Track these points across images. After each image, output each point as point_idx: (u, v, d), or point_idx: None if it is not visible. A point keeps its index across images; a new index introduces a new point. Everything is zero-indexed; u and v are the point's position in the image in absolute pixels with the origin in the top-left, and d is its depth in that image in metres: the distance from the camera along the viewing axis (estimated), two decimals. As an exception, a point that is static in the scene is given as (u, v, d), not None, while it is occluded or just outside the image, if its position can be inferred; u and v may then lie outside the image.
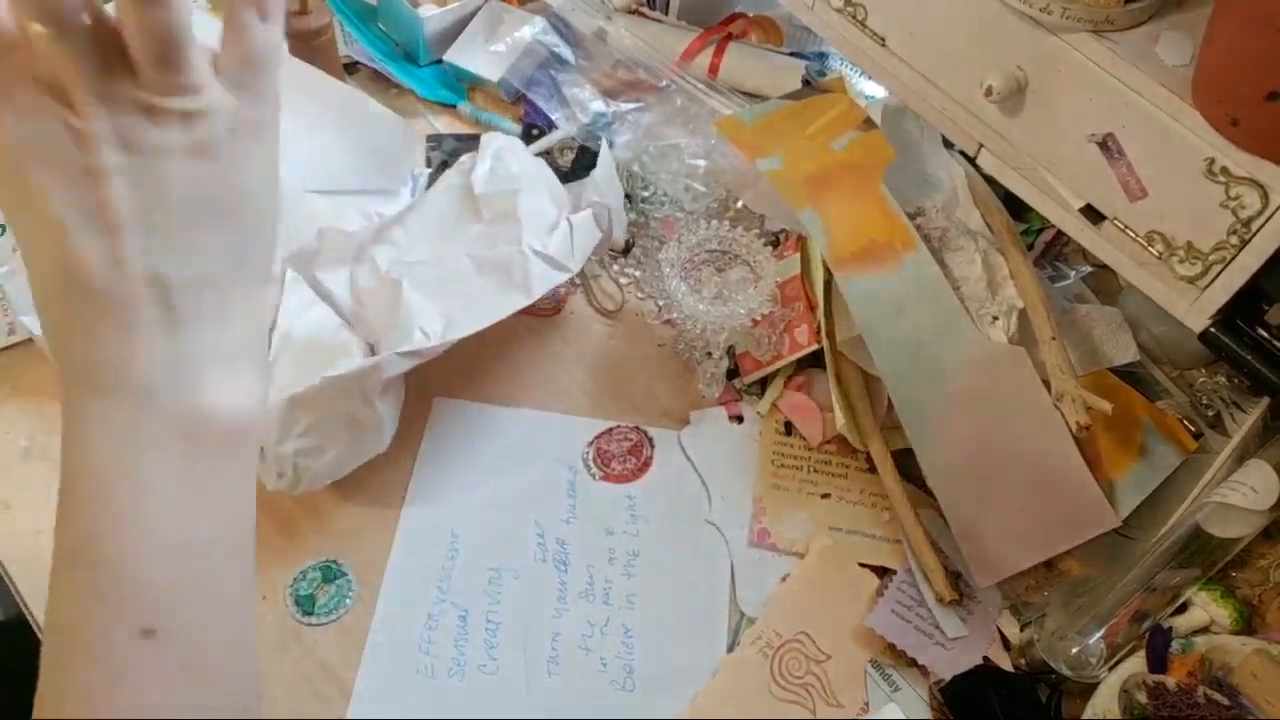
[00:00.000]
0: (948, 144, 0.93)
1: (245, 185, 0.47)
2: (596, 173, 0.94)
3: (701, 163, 1.05)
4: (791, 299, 0.93)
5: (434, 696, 0.79)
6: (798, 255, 0.94)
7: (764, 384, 0.95)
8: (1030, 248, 1.00)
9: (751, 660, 0.80)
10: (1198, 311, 0.73)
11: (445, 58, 1.15)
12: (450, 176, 0.95)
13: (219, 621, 0.46)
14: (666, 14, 1.17)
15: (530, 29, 1.14)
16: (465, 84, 1.16)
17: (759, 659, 0.80)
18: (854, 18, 0.85)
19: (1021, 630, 0.81)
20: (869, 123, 0.95)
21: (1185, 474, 0.86)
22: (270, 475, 0.83)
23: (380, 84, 1.16)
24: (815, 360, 0.92)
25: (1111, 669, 0.76)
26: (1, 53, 0.41)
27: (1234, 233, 0.67)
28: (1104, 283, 0.99)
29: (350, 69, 1.16)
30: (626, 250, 1.04)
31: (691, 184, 1.04)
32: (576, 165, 1.07)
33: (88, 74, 0.41)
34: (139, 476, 0.43)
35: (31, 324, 0.87)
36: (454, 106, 1.14)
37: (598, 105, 1.11)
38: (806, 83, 1.10)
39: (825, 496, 0.89)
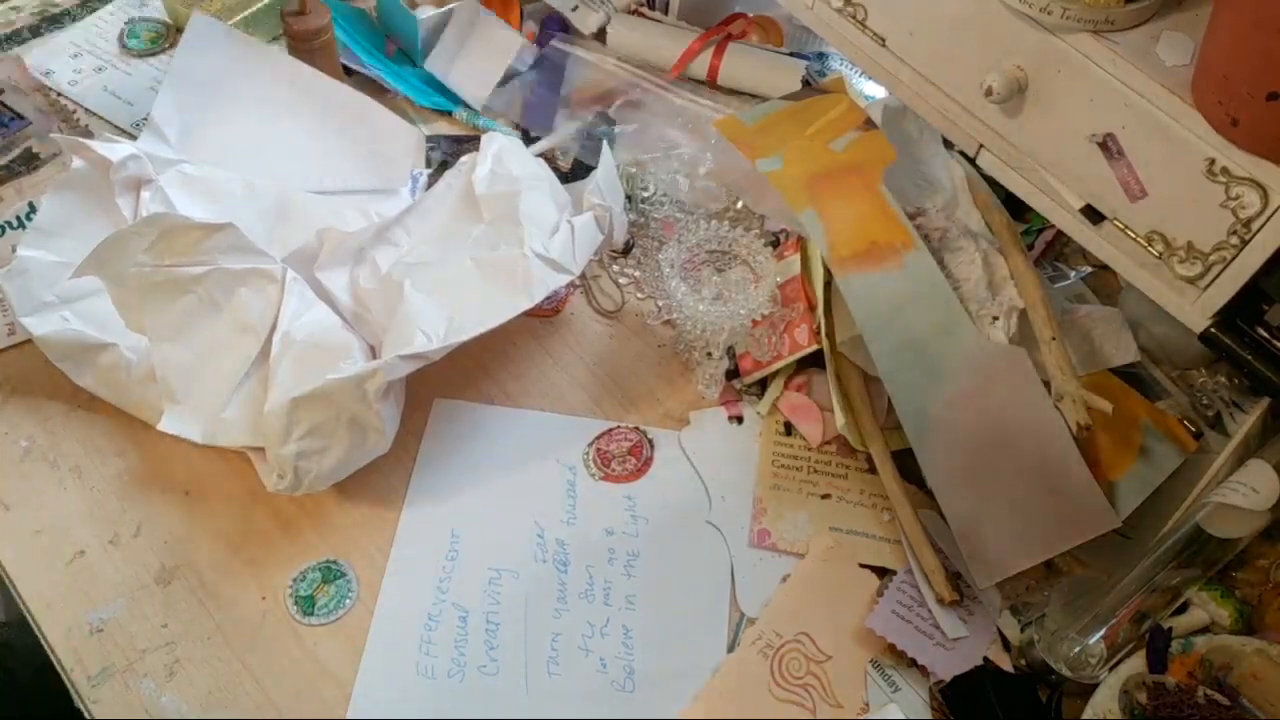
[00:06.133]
0: (948, 144, 0.93)
1: None
2: (597, 174, 0.94)
3: (702, 163, 1.05)
4: (791, 299, 0.93)
5: (434, 697, 0.79)
6: (798, 255, 0.94)
7: (764, 384, 0.95)
8: (1030, 248, 1.00)
9: (751, 660, 0.80)
10: (1198, 311, 0.73)
11: (427, 67, 1.14)
12: (450, 177, 0.95)
13: None
14: (666, 14, 1.17)
15: (511, 49, 1.13)
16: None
17: (759, 659, 0.80)
18: (854, 18, 0.85)
19: (1021, 630, 0.81)
20: (869, 123, 0.95)
21: (1185, 474, 0.86)
22: (271, 477, 0.83)
23: (373, 91, 1.14)
24: (815, 360, 0.92)
25: (1111, 669, 0.76)
26: None
27: (1234, 233, 0.67)
28: (1104, 283, 0.99)
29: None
30: (626, 251, 1.04)
31: (691, 184, 1.04)
32: (577, 166, 1.07)
33: None
34: None
35: (32, 324, 0.87)
36: (449, 113, 1.14)
37: (597, 107, 1.11)
38: (806, 83, 1.10)
39: (825, 496, 0.89)
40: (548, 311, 1.00)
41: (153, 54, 1.17)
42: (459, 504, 0.88)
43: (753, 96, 1.12)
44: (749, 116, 0.99)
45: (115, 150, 0.91)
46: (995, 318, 0.86)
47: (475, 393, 0.94)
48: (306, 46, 1.05)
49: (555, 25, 1.18)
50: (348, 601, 0.82)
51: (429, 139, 1.09)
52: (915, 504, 0.85)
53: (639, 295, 1.02)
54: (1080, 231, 0.78)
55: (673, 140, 1.07)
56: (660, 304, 1.00)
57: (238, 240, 0.85)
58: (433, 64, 1.13)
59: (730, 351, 0.95)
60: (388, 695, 0.78)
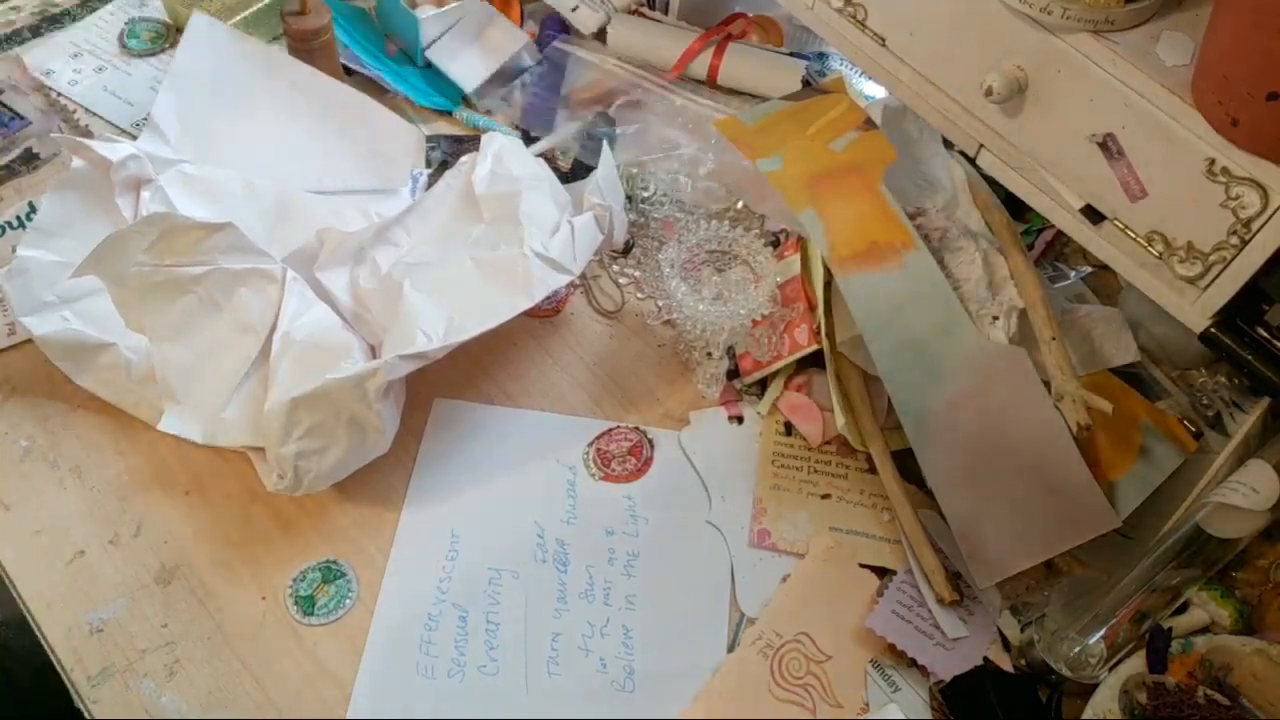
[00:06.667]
0: (948, 144, 0.93)
1: None
2: (597, 174, 0.94)
3: (702, 163, 1.05)
4: (791, 299, 0.93)
5: (434, 697, 0.79)
6: (798, 255, 0.94)
7: (764, 384, 0.95)
8: (1030, 248, 1.00)
9: (751, 660, 0.80)
10: (1198, 311, 0.73)
11: (429, 56, 1.14)
12: (450, 177, 0.95)
13: None
14: (666, 14, 1.17)
15: (514, 44, 1.14)
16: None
17: (759, 659, 0.80)
18: (854, 18, 0.85)
19: (1021, 630, 0.81)
20: (869, 123, 0.95)
21: (1185, 474, 0.86)
22: (271, 477, 0.83)
23: (373, 91, 1.14)
24: (815, 360, 0.92)
25: (1111, 669, 0.76)
26: None
27: (1234, 233, 0.67)
28: (1104, 283, 0.99)
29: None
30: (626, 250, 1.04)
31: (692, 184, 1.04)
32: (577, 166, 1.07)
33: None
34: None
35: (32, 324, 0.87)
36: (449, 113, 1.14)
37: (598, 107, 1.11)
38: (806, 83, 1.10)
39: (825, 496, 0.89)
40: (548, 311, 1.00)
41: (153, 54, 1.17)
42: (459, 504, 0.88)
43: (753, 96, 1.12)
44: (749, 116, 0.99)
45: (115, 150, 0.91)
46: (995, 318, 0.86)
47: (475, 393, 0.94)
48: (306, 46, 1.05)
49: (555, 26, 1.18)
50: (348, 601, 0.82)
51: (429, 139, 1.09)
52: (915, 504, 0.85)
53: (639, 295, 1.02)
54: (1080, 231, 0.78)
55: (673, 140, 1.07)
56: (660, 304, 1.00)
57: (238, 240, 0.85)
58: (433, 54, 1.13)
59: (730, 351, 0.95)
60: (388, 695, 0.78)
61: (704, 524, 0.88)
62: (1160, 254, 0.72)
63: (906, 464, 0.86)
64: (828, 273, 0.89)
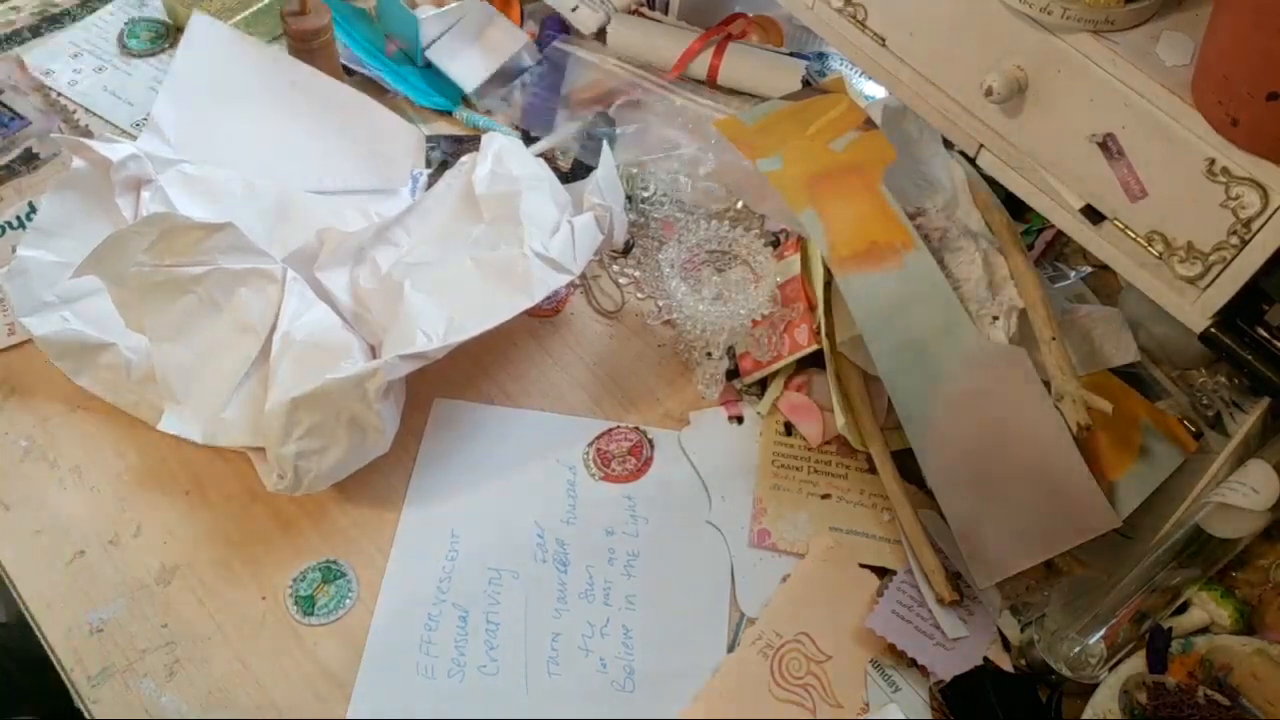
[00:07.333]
0: (948, 144, 0.93)
1: None
2: (597, 174, 0.94)
3: (702, 163, 1.05)
4: (791, 299, 0.93)
5: (434, 697, 0.79)
6: (798, 255, 0.94)
7: (764, 384, 0.95)
8: (1030, 248, 1.00)
9: (751, 660, 0.80)
10: (1198, 312, 0.73)
11: (429, 56, 1.14)
12: (450, 177, 0.95)
13: None
14: (666, 14, 1.17)
15: (514, 44, 1.14)
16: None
17: (759, 659, 0.80)
18: (854, 18, 0.85)
19: (1021, 630, 0.81)
20: (869, 123, 0.95)
21: (1185, 474, 0.86)
22: (271, 477, 0.83)
23: (373, 91, 1.14)
24: (815, 360, 0.92)
25: (1111, 669, 0.76)
26: None
27: (1234, 233, 0.67)
28: (1104, 283, 0.99)
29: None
30: (626, 250, 1.04)
31: (692, 184, 1.04)
32: (577, 166, 1.07)
33: None
34: None
35: (32, 324, 0.87)
36: (449, 113, 1.14)
37: (598, 107, 1.11)
38: (806, 83, 1.10)
39: (825, 496, 0.89)
40: (548, 311, 1.00)
41: (153, 54, 1.17)
42: (459, 504, 0.88)
43: (753, 96, 1.12)
44: (749, 116, 0.99)
45: (115, 150, 0.91)
46: (995, 318, 0.86)
47: (475, 393, 0.94)
48: (306, 46, 1.05)
49: (555, 26, 1.18)
50: (348, 601, 0.82)
51: (429, 139, 1.09)
52: (915, 504, 0.85)
53: (639, 295, 1.02)
54: (1080, 231, 0.78)
55: (673, 140, 1.07)
56: (660, 304, 1.00)
57: (238, 240, 0.85)
58: (434, 54, 1.13)
59: (730, 351, 0.95)
60: (388, 695, 0.78)
61: (704, 524, 0.88)
62: (1160, 254, 0.72)
63: (906, 464, 0.86)
64: (828, 273, 0.89)
